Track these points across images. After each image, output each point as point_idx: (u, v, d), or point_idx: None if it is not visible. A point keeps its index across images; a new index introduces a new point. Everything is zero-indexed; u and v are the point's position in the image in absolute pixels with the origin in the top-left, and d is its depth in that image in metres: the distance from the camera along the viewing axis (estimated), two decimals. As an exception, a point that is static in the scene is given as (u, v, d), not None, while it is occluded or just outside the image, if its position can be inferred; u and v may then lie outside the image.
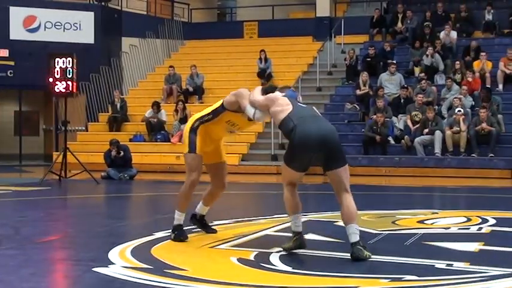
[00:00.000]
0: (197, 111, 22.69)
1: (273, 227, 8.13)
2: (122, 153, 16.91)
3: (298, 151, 6.41)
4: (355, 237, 6.24)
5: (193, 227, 7.78)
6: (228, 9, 34.67)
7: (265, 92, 6.92)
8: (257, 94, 6.90)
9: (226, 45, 26.69)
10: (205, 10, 32.09)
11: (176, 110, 21.04)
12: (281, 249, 6.50)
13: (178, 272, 5.62)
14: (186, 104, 21.46)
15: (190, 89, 22.97)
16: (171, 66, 23.66)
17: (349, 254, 6.20)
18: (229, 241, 7.12)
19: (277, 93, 6.87)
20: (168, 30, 27.41)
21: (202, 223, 7.71)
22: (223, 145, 7.65)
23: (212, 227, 7.84)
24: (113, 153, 16.85)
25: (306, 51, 25.33)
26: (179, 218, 7.25)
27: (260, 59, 23.72)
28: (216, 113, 7.14)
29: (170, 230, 7.28)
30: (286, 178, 6.70)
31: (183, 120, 20.78)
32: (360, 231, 7.67)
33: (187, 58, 25.79)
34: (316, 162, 6.51)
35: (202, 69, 23.51)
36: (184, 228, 7.28)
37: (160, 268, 5.74)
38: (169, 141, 20.64)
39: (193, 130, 7.20)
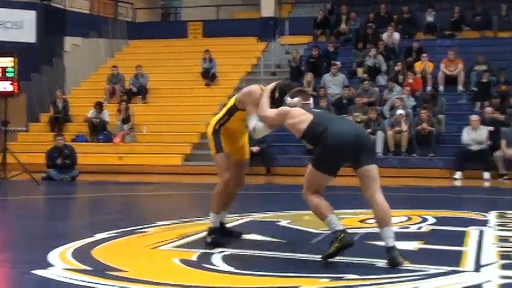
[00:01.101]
0: (140, 112, 22.63)
1: (215, 227, 8.09)
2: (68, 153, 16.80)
3: (335, 152, 6.08)
4: (392, 242, 5.99)
5: (141, 226, 7.73)
6: (173, 9, 34.51)
7: (279, 93, 6.71)
8: (266, 105, 6.63)
9: (171, 45, 26.56)
10: (149, 10, 31.89)
11: (119, 110, 20.87)
12: (223, 249, 6.49)
13: (118, 273, 5.57)
14: (129, 104, 21.29)
15: (134, 89, 22.80)
16: (114, 66, 23.47)
17: (291, 254, 6.22)
18: (172, 242, 7.07)
19: (288, 101, 6.58)
20: (111, 30, 27.17)
21: (226, 232, 7.36)
22: (245, 143, 7.47)
23: (158, 227, 7.77)
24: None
25: (251, 51, 25.36)
26: (215, 220, 7.03)
27: (204, 59, 23.66)
28: (230, 113, 7.03)
29: (206, 233, 7.02)
30: (314, 185, 6.23)
31: (126, 120, 20.66)
32: (303, 231, 7.74)
33: (131, 58, 25.58)
34: (346, 163, 6.18)
35: (146, 69, 23.35)
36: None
37: (101, 270, 5.68)
38: (111, 141, 20.46)
39: (215, 132, 7.09)
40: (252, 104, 6.75)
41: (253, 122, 6.73)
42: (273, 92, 6.78)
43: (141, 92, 22.79)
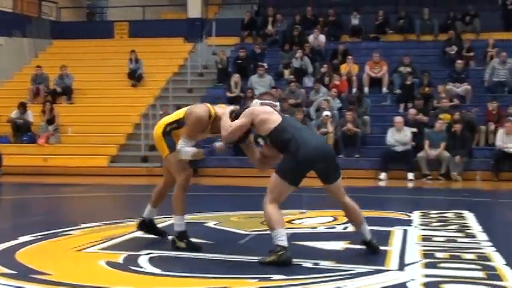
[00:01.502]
0: (65, 112, 22.23)
1: (142, 229, 8.03)
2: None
3: (304, 165, 6.17)
4: (370, 234, 6.55)
5: (66, 229, 7.63)
6: (98, 8, 34.14)
7: (235, 115, 6.64)
8: (228, 121, 6.56)
9: (96, 46, 26.26)
10: (74, 9, 31.45)
11: (43, 111, 20.53)
12: (150, 251, 6.46)
13: (43, 276, 5.49)
14: (53, 105, 20.96)
15: (58, 89, 22.45)
16: (38, 66, 23.08)
17: (219, 255, 6.23)
18: (97, 244, 7.01)
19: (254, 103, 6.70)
20: (35, 29, 26.71)
21: (152, 228, 7.44)
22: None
23: (83, 229, 7.68)
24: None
25: (177, 52, 25.27)
26: (180, 223, 6.87)
27: (131, 59, 23.47)
28: (180, 123, 6.91)
29: (173, 239, 6.86)
30: (279, 194, 6.28)
31: (51, 121, 20.34)
32: (230, 232, 7.75)
33: (55, 58, 25.18)
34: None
35: (71, 70, 23.00)
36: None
37: (24, 273, 5.59)
38: (36, 142, 20.11)
39: (166, 133, 6.94)
40: (192, 126, 6.74)
41: (180, 145, 6.73)
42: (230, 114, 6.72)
43: (66, 92, 22.46)
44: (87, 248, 6.81)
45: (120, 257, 6.31)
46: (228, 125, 6.52)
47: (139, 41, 25.64)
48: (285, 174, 6.21)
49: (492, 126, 17.91)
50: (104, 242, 7.12)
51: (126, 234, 7.60)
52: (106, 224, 8.49)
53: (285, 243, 6.08)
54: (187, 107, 6.98)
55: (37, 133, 20.36)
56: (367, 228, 6.58)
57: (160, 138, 6.98)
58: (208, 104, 6.95)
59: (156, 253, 6.51)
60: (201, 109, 6.82)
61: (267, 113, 6.43)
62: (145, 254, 6.40)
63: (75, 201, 13.01)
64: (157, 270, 5.78)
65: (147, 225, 7.37)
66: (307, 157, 6.13)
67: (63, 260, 6.28)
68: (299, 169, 6.21)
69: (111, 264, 6.01)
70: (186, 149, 6.71)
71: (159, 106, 20.65)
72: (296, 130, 6.30)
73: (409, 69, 20.56)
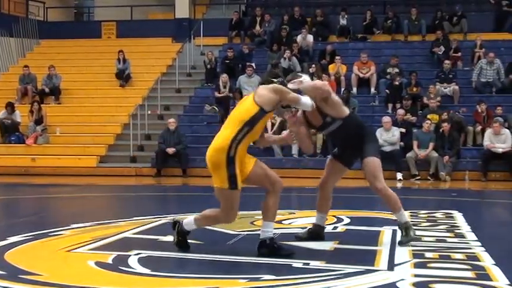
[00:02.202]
0: (54, 112, 22.11)
1: (131, 229, 8.04)
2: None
3: (378, 146, 7.23)
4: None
5: (56, 229, 7.62)
6: (86, 8, 34.05)
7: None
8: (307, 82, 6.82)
9: (84, 45, 26.18)
10: (62, 9, 31.36)
11: (31, 111, 20.46)
12: (139, 251, 6.45)
13: (33, 277, 5.47)
14: (41, 105, 20.89)
15: (46, 89, 22.38)
16: (25, 66, 23.00)
17: (209, 256, 6.24)
18: (87, 244, 6.99)
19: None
20: (22, 29, 26.62)
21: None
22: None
23: (72, 230, 7.66)
24: None
25: (165, 52, 25.24)
26: (271, 230, 6.49)
27: (118, 59, 23.43)
28: (254, 121, 6.27)
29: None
30: (381, 170, 7.02)
31: (39, 121, 20.28)
32: (220, 232, 7.75)
33: (43, 58, 25.13)
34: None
35: (59, 70, 22.94)
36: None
37: (14, 274, 5.57)
38: (24, 142, 20.04)
39: (231, 160, 6.17)
40: (287, 91, 6.55)
41: (309, 101, 6.71)
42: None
43: (54, 92, 22.39)
44: (77, 248, 6.79)
45: (110, 257, 6.30)
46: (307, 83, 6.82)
47: (127, 41, 25.63)
48: (378, 153, 7.05)
49: (479, 127, 17.98)
50: (94, 243, 7.10)
51: (115, 235, 7.58)
52: (95, 225, 8.47)
53: (407, 219, 7.03)
54: (249, 104, 6.36)
55: (25, 133, 20.29)
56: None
57: (220, 165, 6.23)
58: None
59: (145, 253, 6.49)
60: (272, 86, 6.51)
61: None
62: (135, 255, 6.38)
63: (64, 201, 12.97)
64: (147, 271, 5.77)
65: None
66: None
67: (52, 261, 6.26)
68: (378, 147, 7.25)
69: (100, 264, 6.00)
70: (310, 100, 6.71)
71: (147, 106, 20.64)
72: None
73: (396, 70, 20.59)
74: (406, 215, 7.02)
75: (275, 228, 6.82)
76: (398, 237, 7.28)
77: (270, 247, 6.40)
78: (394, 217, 9.15)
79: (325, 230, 7.61)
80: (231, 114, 6.54)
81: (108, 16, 28.45)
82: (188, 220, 6.69)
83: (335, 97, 6.86)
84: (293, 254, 6.45)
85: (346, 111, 6.89)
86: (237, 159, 6.24)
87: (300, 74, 7.05)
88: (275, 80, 6.62)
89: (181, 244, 6.66)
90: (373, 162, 6.87)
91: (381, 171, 6.94)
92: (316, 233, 7.26)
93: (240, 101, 6.79)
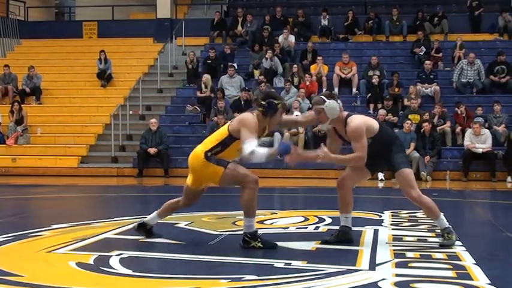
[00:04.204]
0: (35, 113, 22.02)
1: (112, 230, 8.02)
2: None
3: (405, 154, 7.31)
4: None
5: (36, 230, 7.58)
6: (67, 8, 33.91)
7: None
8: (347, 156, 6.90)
9: (65, 45, 26.08)
10: (43, 9, 31.21)
11: (12, 111, 20.34)
12: (121, 252, 6.43)
13: (14, 278, 5.44)
14: (22, 105, 20.78)
15: (27, 89, 22.27)
16: (6, 66, 22.86)
17: (190, 256, 6.24)
18: (68, 245, 6.96)
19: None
20: (3, 29, 26.47)
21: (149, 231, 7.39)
22: None
23: (53, 230, 7.63)
24: None
25: (147, 52, 25.19)
26: (252, 224, 6.82)
27: (100, 59, 23.35)
28: (224, 145, 6.80)
29: (243, 241, 6.78)
30: (415, 180, 7.03)
31: (19, 121, 20.18)
32: (201, 232, 7.74)
33: (24, 58, 25.02)
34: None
35: (40, 70, 22.84)
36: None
37: (-5, 275, 5.54)
38: (4, 143, 19.92)
39: (211, 157, 6.76)
40: (247, 127, 6.68)
41: (249, 149, 6.60)
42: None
43: (35, 92, 22.28)
44: (58, 249, 6.77)
45: (91, 258, 6.28)
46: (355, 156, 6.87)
47: (109, 41, 25.56)
48: (408, 162, 7.16)
49: (459, 128, 18.07)
50: (75, 243, 7.07)
51: (96, 235, 7.56)
52: (76, 225, 8.44)
53: (448, 224, 7.04)
54: (224, 127, 6.92)
55: (5, 133, 20.17)
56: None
57: (205, 164, 6.78)
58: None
59: (127, 254, 6.48)
60: (244, 115, 6.88)
61: (366, 120, 7.01)
62: (116, 255, 6.37)
63: (45, 202, 12.91)
64: (129, 271, 5.76)
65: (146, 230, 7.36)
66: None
67: (33, 261, 6.23)
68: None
69: (81, 265, 5.98)
70: (258, 150, 6.64)
71: (129, 106, 20.59)
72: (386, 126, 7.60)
73: (377, 71, 20.63)
74: (445, 220, 7.00)
75: (257, 229, 6.84)
76: (381, 237, 7.31)
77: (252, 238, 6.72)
78: (375, 217, 9.23)
79: (306, 230, 7.62)
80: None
81: (89, 16, 28.33)
82: (245, 223, 6.88)
83: (364, 141, 6.78)
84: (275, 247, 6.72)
85: (376, 129, 6.90)
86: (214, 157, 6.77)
87: (324, 99, 7.02)
88: (262, 102, 6.84)
89: None
90: (406, 173, 6.89)
91: (414, 180, 6.98)
92: (344, 235, 7.11)
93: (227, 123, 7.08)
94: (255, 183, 6.78)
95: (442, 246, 6.86)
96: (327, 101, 6.86)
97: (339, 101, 6.97)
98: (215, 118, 18.55)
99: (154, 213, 7.34)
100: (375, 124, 6.96)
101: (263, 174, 17.28)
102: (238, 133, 6.70)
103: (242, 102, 19.58)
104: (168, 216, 8.05)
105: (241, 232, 6.89)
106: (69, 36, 26.43)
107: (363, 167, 7.01)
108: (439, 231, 7.69)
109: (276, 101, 6.84)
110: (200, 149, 6.86)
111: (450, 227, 7.00)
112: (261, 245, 6.70)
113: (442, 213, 7.01)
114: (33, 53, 25.72)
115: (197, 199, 7.24)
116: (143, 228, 7.34)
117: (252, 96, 19.63)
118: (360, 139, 6.72)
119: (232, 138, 6.77)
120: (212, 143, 6.84)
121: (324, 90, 20.42)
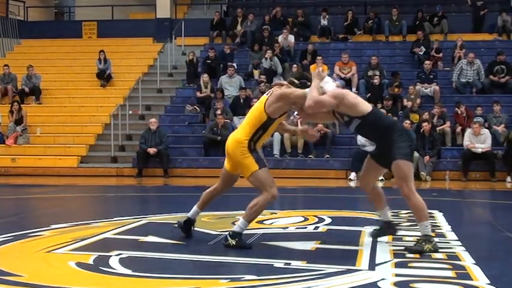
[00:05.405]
0: (34, 112, 21.98)
1: (112, 230, 8.01)
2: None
3: (411, 146, 6.80)
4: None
5: (36, 230, 7.57)
6: (66, 8, 33.90)
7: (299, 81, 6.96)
8: (316, 93, 6.72)
9: (65, 45, 26.08)
10: (42, 8, 31.20)
11: (11, 111, 20.32)
12: (120, 252, 6.43)
13: (14, 278, 5.44)
14: (21, 105, 20.77)
15: (26, 89, 22.26)
16: (5, 66, 22.85)
17: (189, 256, 6.23)
18: (68, 245, 6.95)
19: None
20: (2, 29, 26.46)
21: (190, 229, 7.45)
22: None
23: (53, 230, 7.62)
24: None
25: (146, 52, 25.18)
26: (244, 228, 6.89)
27: (99, 59, 23.34)
28: (266, 126, 6.88)
29: (225, 238, 6.90)
30: (411, 176, 6.75)
31: (19, 121, 20.17)
32: (200, 232, 7.74)
33: (24, 57, 25.00)
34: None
35: (39, 69, 22.85)
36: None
37: (-6, 275, 5.54)
38: (4, 143, 19.91)
39: (252, 150, 6.85)
40: (297, 96, 6.82)
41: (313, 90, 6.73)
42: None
43: (35, 92, 22.27)
44: (57, 249, 6.76)
45: (91, 258, 6.28)
46: (315, 94, 6.71)
47: (108, 41, 25.56)
48: (408, 155, 6.68)
49: (459, 128, 18.07)
50: (74, 243, 7.07)
51: (96, 235, 7.55)
52: (76, 225, 8.43)
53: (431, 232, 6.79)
54: (258, 111, 6.90)
55: (5, 133, 20.16)
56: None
57: (245, 153, 6.83)
58: None
59: (126, 254, 6.47)
60: (279, 90, 6.96)
61: (356, 98, 6.82)
62: (116, 255, 6.36)
63: (44, 202, 12.90)
64: (128, 271, 5.75)
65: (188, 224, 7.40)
66: (411, 139, 6.90)
67: (32, 261, 6.23)
68: (411, 149, 6.80)
69: (81, 265, 5.97)
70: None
71: (128, 106, 20.59)
72: (387, 117, 7.36)
73: (377, 73, 20.59)
74: (429, 228, 6.74)
75: (257, 228, 6.84)
76: (381, 238, 7.31)
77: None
78: (374, 217, 9.22)
79: (306, 230, 7.60)
80: (248, 113, 7.08)
81: (88, 16, 28.33)
82: (238, 223, 6.94)
83: (350, 99, 6.74)
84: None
85: (365, 109, 6.71)
86: (257, 148, 6.95)
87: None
88: (296, 82, 6.95)
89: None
90: (400, 165, 6.61)
91: (410, 173, 6.68)
92: (387, 229, 7.26)
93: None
94: (273, 197, 6.85)
95: (406, 249, 6.68)
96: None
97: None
98: (215, 118, 18.53)
99: (195, 207, 7.39)
100: (362, 103, 6.82)
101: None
102: (278, 110, 6.82)
103: (241, 101, 19.57)
104: (166, 216, 8.07)
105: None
106: (68, 36, 26.44)
107: (372, 163, 7.03)
108: (439, 231, 7.70)
109: (309, 83, 6.89)
110: (242, 136, 6.89)
111: (431, 236, 6.72)
112: (234, 243, 6.74)
113: (429, 221, 6.81)
114: (32, 53, 25.72)
115: (233, 184, 7.25)
116: (187, 225, 7.37)
117: (251, 94, 19.65)
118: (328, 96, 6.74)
119: (271, 120, 6.86)
120: (252, 128, 6.87)
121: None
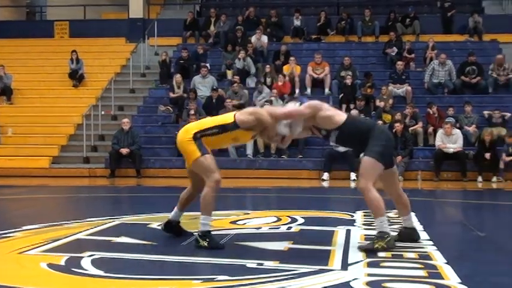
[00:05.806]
0: (5, 113, 21.75)
1: (84, 230, 7.97)
2: None
3: (389, 147, 7.00)
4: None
5: (7, 231, 7.52)
6: (38, 7, 33.67)
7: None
8: (292, 107, 6.97)
9: (36, 45, 25.89)
10: (14, 8, 30.94)
11: (-18, 111, 20.18)
12: (92, 253, 6.40)
13: (-16, 280, 5.40)
14: (-7, 105, 20.63)
15: (-2, 89, 22.09)
16: (-24, 66, 22.67)
17: (162, 257, 6.22)
18: (39, 246, 6.91)
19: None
20: (-27, 28, 26.25)
21: (178, 230, 7.51)
22: None
23: (24, 231, 7.56)
24: None
25: (119, 52, 25.08)
26: (208, 223, 6.89)
27: (71, 59, 23.22)
28: (225, 128, 6.98)
29: (195, 239, 6.91)
30: (374, 176, 6.79)
31: (-10, 121, 20.00)
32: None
33: (-6, 57, 24.81)
34: None
35: (11, 69, 22.66)
36: None
37: (-36, 277, 5.49)
38: (-25, 143, 19.76)
39: (197, 139, 6.95)
40: (264, 116, 6.94)
41: (286, 129, 6.97)
42: None
43: (6, 92, 22.10)
44: (29, 250, 6.72)
45: (63, 259, 6.24)
46: (293, 109, 6.95)
47: (80, 41, 25.40)
48: (379, 155, 6.75)
49: (431, 129, 18.19)
50: (46, 244, 7.02)
51: (68, 236, 7.51)
52: (48, 226, 8.37)
53: (389, 230, 6.81)
54: (231, 114, 7.10)
55: (-24, 133, 20.00)
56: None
57: (189, 141, 6.95)
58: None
59: (98, 255, 6.45)
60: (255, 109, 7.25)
61: (331, 109, 6.98)
62: (88, 256, 6.33)
63: (15, 203, 12.81)
64: (100, 272, 5.73)
65: (172, 227, 7.47)
66: (390, 140, 7.08)
67: (4, 263, 6.19)
68: (387, 151, 6.93)
69: (53, 266, 5.94)
70: (296, 127, 6.94)
71: (101, 106, 20.49)
72: (366, 121, 7.55)
73: (350, 73, 20.63)
74: (386, 225, 6.79)
75: (230, 229, 6.84)
76: (353, 237, 7.33)
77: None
78: (347, 217, 9.26)
79: (279, 230, 7.61)
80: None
81: (60, 15, 28.15)
82: (201, 221, 6.93)
83: (325, 111, 6.88)
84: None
85: (341, 120, 6.86)
86: (206, 146, 6.96)
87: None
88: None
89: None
90: (364, 160, 6.77)
91: (371, 170, 6.74)
92: (408, 236, 7.23)
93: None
94: (216, 182, 6.88)
95: (360, 248, 6.73)
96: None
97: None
98: (188, 119, 18.49)
99: (175, 208, 7.45)
100: (337, 114, 6.97)
101: (236, 174, 17.33)
102: (245, 124, 6.93)
103: (214, 101, 19.56)
104: (140, 217, 8.04)
105: (216, 233, 6.89)
106: (40, 36, 26.26)
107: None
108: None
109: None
110: (193, 126, 7.11)
111: (387, 233, 6.73)
112: (206, 245, 6.73)
113: (386, 217, 6.83)
114: (4, 53, 25.45)
115: (203, 181, 7.05)
116: (169, 227, 7.45)
117: (224, 95, 19.63)
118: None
119: (235, 126, 6.96)
120: (208, 124, 7.05)
121: (297, 90, 20.49)
